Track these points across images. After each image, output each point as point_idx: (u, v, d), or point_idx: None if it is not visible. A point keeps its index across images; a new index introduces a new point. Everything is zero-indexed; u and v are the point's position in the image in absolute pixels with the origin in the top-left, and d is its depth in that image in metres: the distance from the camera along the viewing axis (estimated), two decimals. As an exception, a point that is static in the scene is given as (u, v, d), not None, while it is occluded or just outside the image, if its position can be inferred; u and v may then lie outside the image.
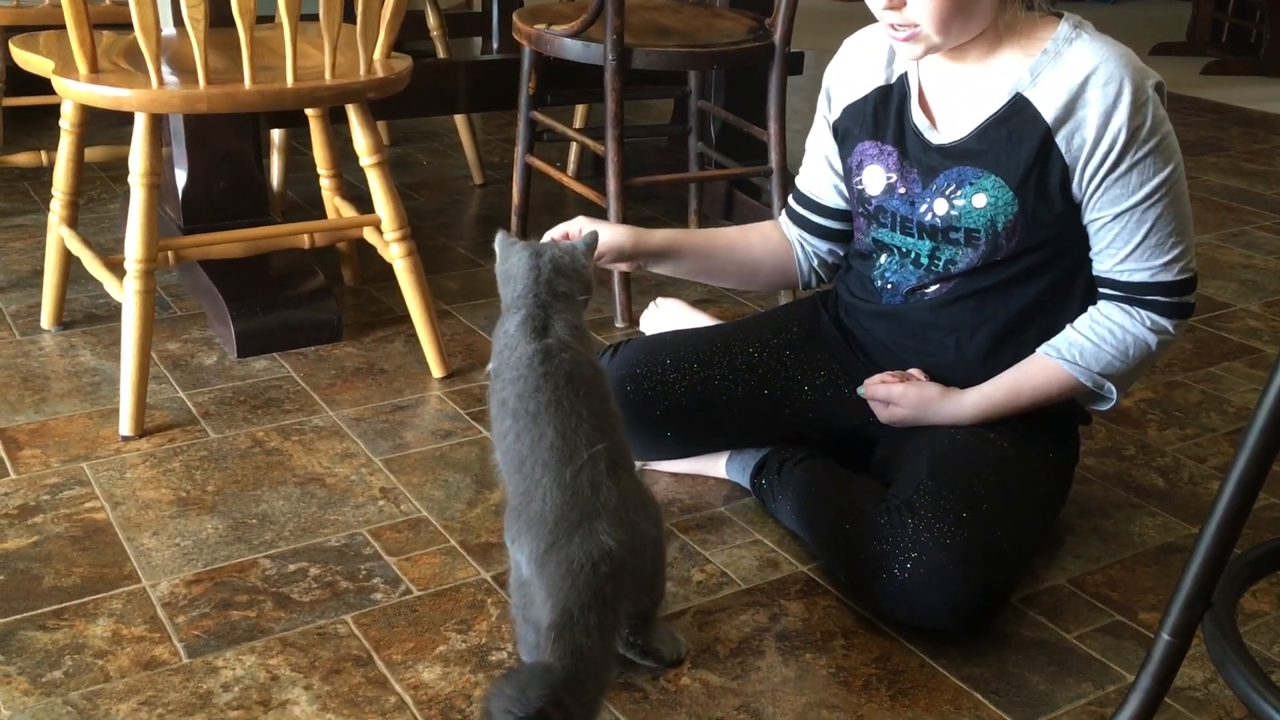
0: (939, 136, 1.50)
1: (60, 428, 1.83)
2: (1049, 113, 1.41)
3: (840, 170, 1.64)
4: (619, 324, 2.27)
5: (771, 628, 1.43)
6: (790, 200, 1.74)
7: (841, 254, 1.72)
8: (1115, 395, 1.51)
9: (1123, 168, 1.40)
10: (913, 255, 1.54)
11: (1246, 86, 4.76)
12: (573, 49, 2.28)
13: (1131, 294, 1.46)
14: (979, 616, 1.38)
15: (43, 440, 1.79)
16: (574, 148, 3.14)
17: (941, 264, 1.52)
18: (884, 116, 1.54)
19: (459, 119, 3.08)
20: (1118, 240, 1.44)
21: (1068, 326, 1.50)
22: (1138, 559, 1.60)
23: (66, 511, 1.61)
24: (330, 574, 1.50)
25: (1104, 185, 1.42)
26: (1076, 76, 1.40)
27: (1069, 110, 1.40)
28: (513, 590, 1.28)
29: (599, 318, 2.29)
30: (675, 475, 1.75)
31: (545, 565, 1.20)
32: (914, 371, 1.56)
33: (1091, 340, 1.48)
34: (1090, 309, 1.49)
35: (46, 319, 2.17)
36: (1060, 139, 1.41)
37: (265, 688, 1.30)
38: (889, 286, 1.58)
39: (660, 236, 1.66)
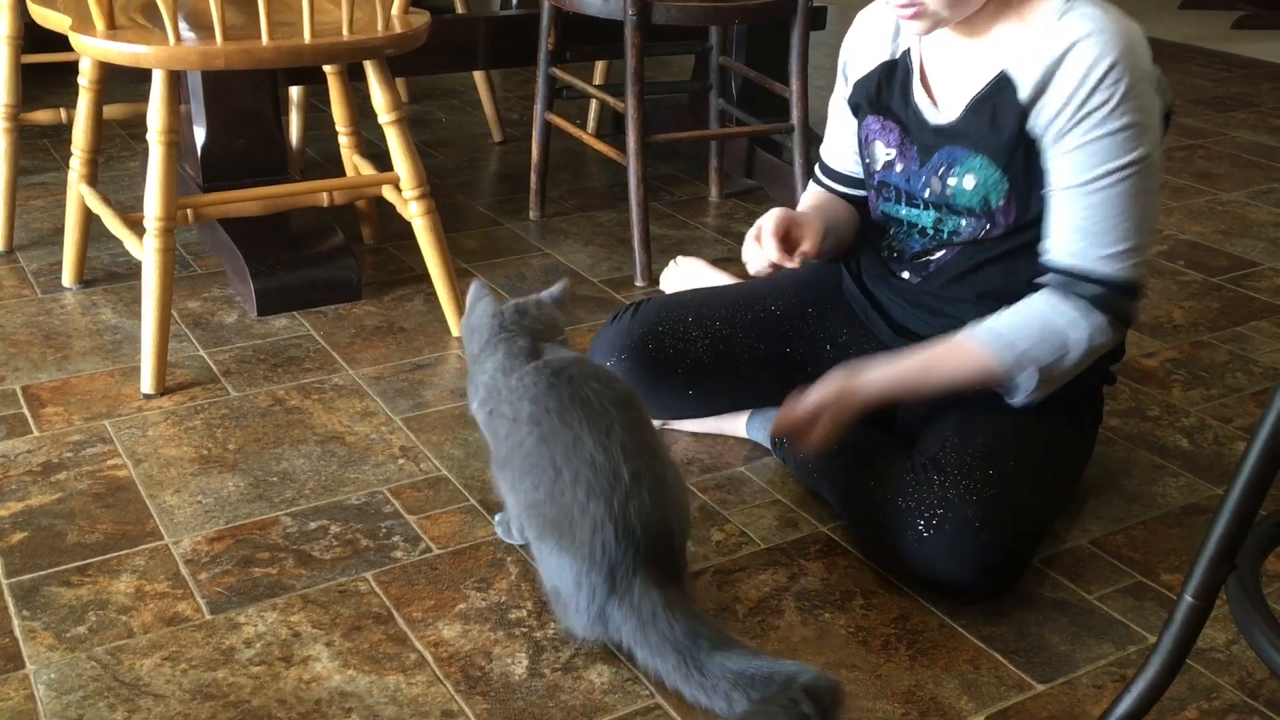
0: (937, 116, 1.46)
1: (82, 385, 1.84)
2: (1025, 90, 1.36)
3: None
4: (639, 283, 2.25)
5: (791, 587, 1.43)
6: (816, 170, 1.71)
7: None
8: (1030, 388, 1.40)
9: (1075, 143, 1.34)
10: (919, 226, 1.52)
11: (1278, 41, 4.68)
12: (593, 4, 2.26)
13: (1064, 280, 1.38)
14: (1002, 575, 1.38)
15: (65, 398, 1.80)
16: (594, 105, 3.12)
17: (945, 233, 1.49)
18: (888, 92, 1.52)
19: (478, 76, 3.06)
20: (1058, 218, 1.38)
21: (1002, 309, 1.42)
22: (1160, 520, 1.59)
23: (89, 469, 1.62)
24: (351, 532, 1.51)
25: (1054, 157, 1.36)
26: (1056, 51, 1.34)
27: (1043, 86, 1.35)
28: (544, 577, 1.30)
29: (619, 277, 2.28)
30: (696, 434, 1.75)
31: (608, 614, 1.23)
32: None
33: (1014, 324, 1.40)
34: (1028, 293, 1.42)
35: (67, 277, 2.18)
36: (1033, 115, 1.36)
37: (287, 644, 1.31)
38: (895, 255, 1.56)
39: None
